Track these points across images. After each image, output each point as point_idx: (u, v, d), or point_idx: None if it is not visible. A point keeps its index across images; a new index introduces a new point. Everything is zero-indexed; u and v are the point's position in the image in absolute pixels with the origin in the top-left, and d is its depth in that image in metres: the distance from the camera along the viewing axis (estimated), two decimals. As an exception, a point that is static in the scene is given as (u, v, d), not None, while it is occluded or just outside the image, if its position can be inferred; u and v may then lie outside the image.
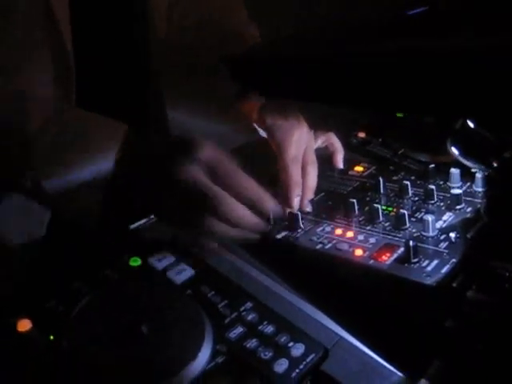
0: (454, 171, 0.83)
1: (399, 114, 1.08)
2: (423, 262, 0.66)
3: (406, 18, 0.61)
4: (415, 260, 0.66)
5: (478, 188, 0.82)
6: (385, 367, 0.61)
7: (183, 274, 0.69)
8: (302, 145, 0.85)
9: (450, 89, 0.52)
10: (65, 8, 0.84)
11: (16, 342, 0.60)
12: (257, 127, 0.94)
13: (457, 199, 0.77)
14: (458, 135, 0.70)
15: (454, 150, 0.68)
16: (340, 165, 0.93)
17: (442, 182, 0.85)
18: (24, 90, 0.83)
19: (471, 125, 0.72)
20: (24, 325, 0.61)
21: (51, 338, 0.60)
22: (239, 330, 0.62)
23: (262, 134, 0.94)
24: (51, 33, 0.84)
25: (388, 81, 0.54)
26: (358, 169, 0.93)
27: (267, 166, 0.88)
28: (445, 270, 0.65)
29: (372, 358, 0.62)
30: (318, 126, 0.91)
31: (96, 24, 0.91)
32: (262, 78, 0.57)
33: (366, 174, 0.92)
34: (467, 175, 0.84)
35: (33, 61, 0.84)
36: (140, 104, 1.00)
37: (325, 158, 0.93)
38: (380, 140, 1.05)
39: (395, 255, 0.68)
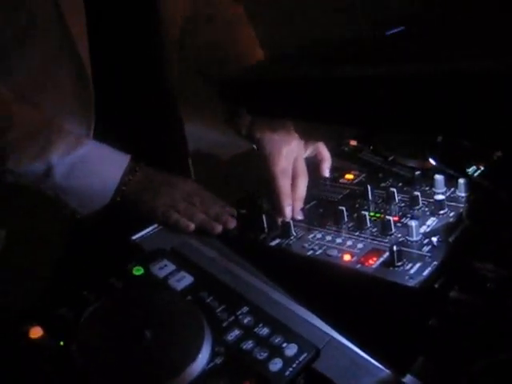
0: (438, 177, 0.87)
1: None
2: (407, 265, 0.70)
3: (384, 38, 0.65)
4: (399, 263, 0.70)
5: (461, 193, 0.85)
6: (373, 364, 0.65)
7: (183, 281, 0.73)
8: (292, 156, 0.89)
9: (425, 107, 0.56)
10: (83, 31, 0.89)
11: (28, 349, 0.64)
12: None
13: (440, 205, 0.81)
14: (436, 145, 0.74)
15: (432, 160, 0.72)
16: (326, 174, 0.97)
17: (427, 188, 0.88)
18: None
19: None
20: (36, 332, 0.65)
21: (61, 343, 0.64)
22: (236, 332, 0.66)
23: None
24: (70, 56, 0.89)
25: (366, 100, 0.58)
26: (349, 177, 0.97)
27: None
28: (426, 272, 0.69)
29: (361, 356, 0.66)
30: (307, 136, 0.94)
31: (114, 46, 0.96)
32: (248, 97, 0.61)
33: (356, 181, 0.96)
34: (452, 181, 0.88)
35: (54, 84, 0.90)
36: (158, 119, 1.05)
37: (315, 166, 0.97)
38: (371, 148, 1.09)
39: (381, 259, 0.72)
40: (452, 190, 0.87)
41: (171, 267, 0.75)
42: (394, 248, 0.70)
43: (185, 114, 1.12)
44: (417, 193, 0.84)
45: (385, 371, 0.65)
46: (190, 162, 1.16)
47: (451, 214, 0.81)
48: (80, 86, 0.91)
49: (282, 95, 0.58)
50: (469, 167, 0.93)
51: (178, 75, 1.08)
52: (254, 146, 0.96)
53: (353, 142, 1.11)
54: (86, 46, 0.89)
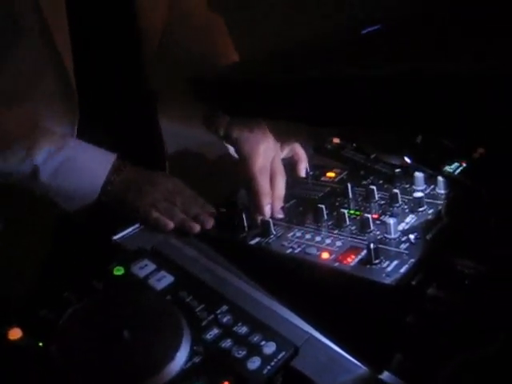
0: (418, 175, 0.87)
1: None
2: (384, 262, 0.71)
3: (360, 37, 0.66)
4: (376, 261, 0.71)
5: (441, 190, 0.86)
6: (351, 362, 0.66)
7: (163, 280, 0.73)
8: (270, 155, 0.89)
9: (403, 106, 0.57)
10: (65, 34, 0.90)
11: (7, 350, 0.64)
12: (225, 143, 0.99)
13: (419, 202, 0.82)
14: (415, 143, 0.74)
15: (407, 159, 0.72)
16: (302, 174, 0.98)
17: (407, 186, 0.89)
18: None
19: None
20: (15, 333, 0.65)
21: (41, 344, 0.64)
22: (215, 331, 0.67)
23: (231, 151, 0.99)
24: (52, 58, 0.89)
25: (341, 99, 0.58)
26: (330, 175, 0.97)
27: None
28: (404, 269, 0.69)
29: (339, 353, 0.67)
30: (283, 137, 0.95)
31: (95, 48, 0.97)
32: (222, 97, 0.62)
33: (337, 179, 0.96)
34: (432, 178, 0.89)
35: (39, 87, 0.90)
36: (137, 120, 1.06)
37: (292, 167, 0.97)
38: (354, 145, 1.09)
39: (359, 257, 0.73)
40: (432, 187, 0.88)
41: (151, 267, 0.75)
42: (371, 246, 0.71)
43: (166, 115, 1.12)
44: (396, 190, 0.85)
45: (362, 368, 0.66)
46: (167, 164, 1.16)
47: (430, 212, 0.82)
48: (64, 87, 0.92)
49: (255, 95, 0.58)
50: (450, 164, 0.94)
51: (157, 76, 1.09)
52: (231, 149, 0.97)
53: (336, 140, 1.11)
54: (69, 49, 0.90)
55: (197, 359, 0.63)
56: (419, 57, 0.56)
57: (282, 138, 0.94)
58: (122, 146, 0.94)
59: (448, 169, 0.93)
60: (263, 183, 0.86)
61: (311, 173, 0.98)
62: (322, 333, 0.68)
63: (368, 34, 0.66)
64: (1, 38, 0.87)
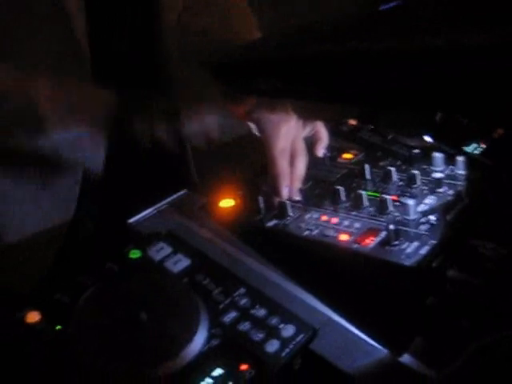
0: (437, 155, 0.86)
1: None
2: (404, 244, 0.70)
3: (379, 13, 0.64)
4: (396, 242, 0.70)
5: (460, 171, 0.85)
6: (370, 344, 0.65)
7: (180, 263, 0.73)
8: (290, 136, 0.87)
9: (425, 84, 0.55)
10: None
11: (25, 333, 0.64)
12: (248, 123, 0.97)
13: (438, 183, 0.81)
14: (434, 123, 0.73)
15: (427, 138, 0.71)
16: (320, 154, 0.96)
17: (426, 167, 0.88)
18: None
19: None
20: (33, 316, 0.65)
21: (58, 327, 0.64)
22: (233, 314, 0.66)
23: (254, 130, 0.97)
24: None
25: (364, 77, 0.57)
26: (347, 156, 0.96)
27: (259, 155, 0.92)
28: (424, 251, 0.68)
29: (358, 336, 0.66)
30: (306, 115, 0.94)
31: (113, 30, 0.96)
32: (242, 79, 0.61)
33: (354, 160, 0.95)
34: (451, 159, 0.88)
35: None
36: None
37: (312, 146, 0.95)
38: (371, 127, 1.08)
39: (378, 239, 0.72)
40: (451, 168, 0.86)
41: (168, 250, 0.75)
42: (391, 227, 0.70)
43: (184, 99, 1.11)
44: (415, 171, 0.83)
45: (382, 351, 0.65)
46: (189, 147, 1.15)
47: (450, 192, 0.80)
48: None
49: (276, 74, 0.57)
50: (469, 145, 0.92)
51: (177, 61, 1.07)
52: (253, 128, 0.95)
53: (352, 122, 1.10)
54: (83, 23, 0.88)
55: (214, 342, 0.63)
56: (442, 31, 0.54)
57: (305, 116, 0.93)
58: None
59: (466, 149, 0.92)
60: (282, 165, 0.85)
61: (328, 154, 0.96)
62: (340, 315, 0.68)
63: (387, 9, 0.64)
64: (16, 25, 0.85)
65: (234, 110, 0.90)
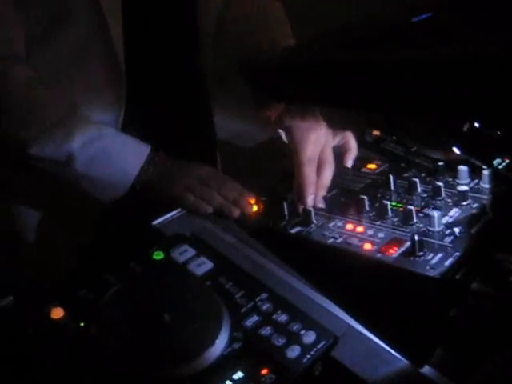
0: (462, 168, 0.86)
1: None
2: (428, 255, 0.70)
3: (412, 24, 0.64)
4: (420, 253, 0.70)
5: (485, 185, 0.84)
6: (391, 354, 0.65)
7: (203, 266, 0.73)
8: (319, 145, 0.88)
9: (454, 93, 0.56)
10: (117, 17, 0.90)
11: (50, 329, 0.65)
12: (278, 130, 0.98)
13: (463, 196, 0.80)
14: (461, 134, 0.73)
15: (456, 149, 0.71)
16: (348, 164, 0.96)
17: (450, 179, 0.87)
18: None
19: (476, 124, 0.76)
20: (57, 313, 0.66)
21: (82, 324, 0.65)
22: (255, 318, 0.66)
23: (283, 136, 0.98)
24: (103, 46, 0.90)
25: (397, 86, 0.57)
26: (371, 166, 0.96)
27: (284, 161, 0.93)
28: (448, 262, 0.68)
29: (379, 345, 0.66)
30: (336, 124, 0.94)
31: (148, 32, 0.97)
32: (276, 85, 0.61)
33: (378, 171, 0.95)
34: (476, 172, 0.87)
35: (85, 71, 0.90)
36: (189, 106, 1.05)
37: (340, 156, 0.96)
38: (394, 138, 1.08)
39: (402, 249, 0.72)
40: (476, 181, 0.86)
41: (191, 252, 0.76)
42: (416, 237, 0.69)
43: (219, 103, 1.12)
44: (440, 183, 0.83)
45: (403, 361, 0.65)
46: (218, 152, 1.16)
47: (474, 206, 0.80)
48: (112, 71, 0.92)
49: (310, 81, 0.58)
50: (494, 160, 0.92)
51: (211, 63, 1.08)
52: (282, 135, 0.96)
53: (375, 132, 1.10)
54: (119, 31, 0.90)
55: (236, 345, 0.63)
56: (473, 41, 0.55)
57: (335, 125, 0.93)
58: (169, 137, 0.94)
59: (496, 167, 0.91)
60: (309, 173, 0.85)
61: (352, 164, 0.96)
62: (362, 324, 0.68)
63: (419, 21, 0.65)
64: (47, 14, 0.87)
65: (264, 116, 0.91)
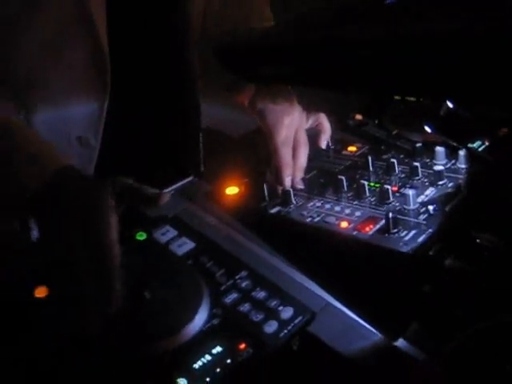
0: (439, 149, 0.88)
1: (396, 97, 1.13)
2: (402, 232, 0.72)
3: (385, 6, 0.65)
4: (394, 230, 0.72)
5: (462, 165, 0.86)
6: (366, 329, 0.67)
7: (184, 246, 0.75)
8: (293, 127, 0.90)
9: (429, 72, 0.57)
10: (101, 5, 0.86)
11: (33, 307, 0.66)
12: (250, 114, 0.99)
13: (439, 175, 0.82)
14: (438, 116, 0.74)
15: (427, 128, 0.73)
16: (323, 145, 0.97)
17: (428, 160, 0.89)
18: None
19: (451, 105, 0.77)
20: (41, 291, 0.67)
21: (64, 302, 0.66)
22: (234, 295, 0.68)
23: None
24: (85, 29, 0.87)
25: (372, 65, 0.58)
26: (352, 149, 0.98)
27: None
28: (421, 239, 0.70)
29: (355, 320, 0.68)
30: (310, 106, 0.95)
31: (132, 16, 0.93)
32: (245, 64, 0.62)
33: (358, 153, 0.97)
34: (453, 154, 0.89)
35: (65, 60, 0.88)
36: (175, 95, 1.05)
37: (315, 137, 0.97)
38: (376, 122, 1.09)
39: (377, 226, 0.74)
40: (452, 162, 0.88)
41: (173, 233, 0.77)
42: (390, 215, 0.71)
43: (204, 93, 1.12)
44: (416, 163, 0.85)
45: (378, 335, 0.67)
46: (201, 139, 1.17)
47: (450, 185, 0.82)
48: (95, 57, 0.89)
49: (280, 60, 0.59)
50: (473, 142, 0.93)
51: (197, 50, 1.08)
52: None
53: (358, 116, 1.12)
54: (103, 15, 0.86)
55: (215, 321, 0.65)
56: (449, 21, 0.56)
57: (308, 108, 0.94)
58: (155, 125, 0.94)
59: (470, 146, 0.93)
60: (285, 155, 0.87)
61: (332, 147, 0.98)
62: (338, 300, 0.70)
63: (392, 3, 0.66)
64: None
65: (237, 100, 0.92)
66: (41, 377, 0.61)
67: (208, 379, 0.59)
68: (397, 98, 1.11)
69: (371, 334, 0.67)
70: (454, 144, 0.81)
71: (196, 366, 0.60)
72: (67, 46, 0.87)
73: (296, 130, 0.90)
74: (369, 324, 0.68)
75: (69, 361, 0.61)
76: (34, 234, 0.71)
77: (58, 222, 0.65)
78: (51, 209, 0.66)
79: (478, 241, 0.73)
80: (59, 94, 0.90)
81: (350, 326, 0.68)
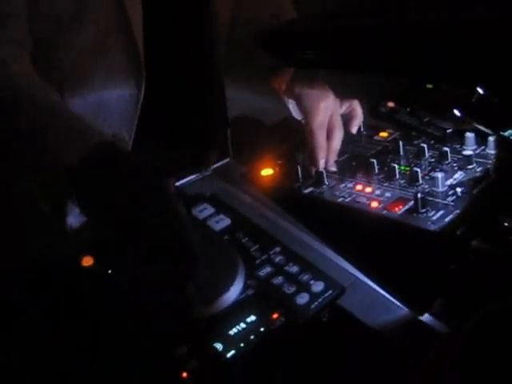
0: (469, 135, 0.90)
1: (429, 86, 1.15)
2: (430, 212, 0.74)
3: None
4: (423, 210, 0.74)
5: (491, 150, 0.88)
6: (393, 303, 0.71)
7: (221, 222, 0.79)
8: (329, 112, 0.93)
9: (460, 58, 0.59)
10: (138, 11, 0.90)
11: (81, 275, 0.71)
12: (287, 101, 1.02)
13: (468, 160, 0.85)
14: (465, 102, 0.76)
15: (457, 112, 0.74)
16: (354, 130, 1.00)
17: (458, 146, 0.91)
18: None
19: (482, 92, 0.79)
20: (87, 260, 0.72)
21: (110, 272, 0.71)
22: (267, 269, 0.72)
23: (294, 113, 1.03)
24: (124, 36, 0.90)
25: (407, 50, 0.61)
26: (383, 134, 1.01)
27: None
28: (448, 218, 0.73)
29: (383, 295, 0.72)
30: (343, 93, 0.98)
31: (166, 22, 0.97)
32: (292, 49, 0.66)
33: (389, 139, 0.99)
34: (484, 140, 0.91)
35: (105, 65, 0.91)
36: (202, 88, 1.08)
37: (348, 123, 1.00)
38: (408, 109, 1.12)
39: (406, 207, 0.76)
40: (482, 148, 0.90)
41: (210, 210, 0.81)
42: (419, 195, 0.74)
43: (231, 82, 1.15)
44: (446, 148, 0.88)
45: (404, 309, 0.70)
46: (229, 131, 1.20)
47: (478, 169, 0.84)
48: (132, 59, 0.92)
49: (320, 46, 0.62)
50: (505, 130, 0.95)
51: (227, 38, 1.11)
52: (290, 105, 1.01)
53: (390, 104, 1.14)
54: (139, 21, 0.90)
55: (250, 292, 0.69)
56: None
57: (342, 94, 0.97)
58: (185, 124, 0.97)
59: (502, 133, 0.94)
60: (320, 138, 0.91)
61: (364, 132, 1.01)
62: (367, 276, 0.73)
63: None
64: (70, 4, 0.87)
65: (276, 85, 0.95)
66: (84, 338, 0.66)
67: (242, 345, 0.63)
68: (429, 86, 1.14)
69: (398, 308, 0.70)
70: (485, 130, 0.83)
71: (231, 332, 0.64)
72: (108, 52, 0.90)
73: (331, 115, 0.93)
74: (396, 299, 0.71)
75: (111, 325, 0.66)
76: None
77: (107, 196, 0.66)
78: (100, 180, 0.67)
79: (505, 224, 0.75)
80: (96, 91, 0.92)
81: (378, 301, 0.71)
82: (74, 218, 0.84)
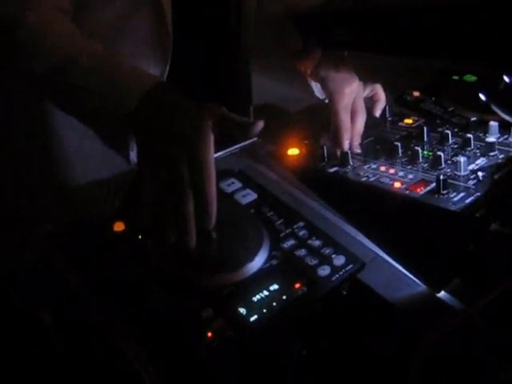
0: (493, 123, 0.92)
1: (455, 77, 1.17)
2: (451, 194, 0.77)
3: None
4: (444, 192, 0.77)
5: (514, 139, 0.90)
6: (412, 279, 0.72)
7: (247, 197, 0.82)
8: (352, 95, 0.95)
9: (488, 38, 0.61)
10: None
11: (112, 240, 0.75)
12: (311, 83, 1.05)
13: (491, 146, 0.87)
14: (491, 90, 0.78)
15: (482, 96, 0.76)
16: (377, 114, 1.03)
17: (481, 134, 0.93)
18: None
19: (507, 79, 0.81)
20: (119, 226, 0.76)
21: (139, 237, 0.74)
22: (291, 242, 0.75)
23: (317, 92, 1.05)
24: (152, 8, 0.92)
25: (437, 31, 0.63)
26: (408, 121, 1.03)
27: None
28: (469, 200, 0.75)
29: (402, 271, 0.73)
30: (367, 77, 1.01)
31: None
32: (324, 31, 0.68)
33: (414, 125, 1.01)
34: (507, 129, 0.93)
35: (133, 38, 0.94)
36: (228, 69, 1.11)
37: (371, 107, 1.03)
38: (433, 98, 1.14)
39: (428, 188, 0.79)
40: (505, 136, 0.92)
41: (238, 185, 0.84)
42: (441, 177, 0.77)
43: (256, 69, 1.18)
44: (469, 135, 0.90)
45: (422, 286, 0.72)
46: (252, 113, 1.22)
47: (501, 157, 0.86)
48: (159, 30, 0.94)
49: (356, 26, 0.64)
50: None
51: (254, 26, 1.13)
52: (315, 88, 1.04)
53: (415, 92, 1.16)
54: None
55: (274, 262, 0.72)
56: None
57: (366, 77, 1.00)
58: (209, 96, 0.99)
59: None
60: (344, 119, 0.93)
61: (390, 118, 1.04)
62: (387, 253, 0.75)
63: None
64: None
65: (302, 68, 0.97)
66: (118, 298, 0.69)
67: (265, 311, 0.65)
68: (455, 77, 1.16)
69: (416, 284, 0.72)
70: (509, 119, 0.85)
71: (255, 298, 0.67)
72: (137, 22, 0.93)
73: (355, 98, 0.96)
74: (414, 276, 0.73)
75: (141, 288, 0.69)
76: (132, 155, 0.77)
77: (157, 136, 0.70)
78: (152, 120, 0.72)
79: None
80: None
81: (397, 276, 0.73)
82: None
